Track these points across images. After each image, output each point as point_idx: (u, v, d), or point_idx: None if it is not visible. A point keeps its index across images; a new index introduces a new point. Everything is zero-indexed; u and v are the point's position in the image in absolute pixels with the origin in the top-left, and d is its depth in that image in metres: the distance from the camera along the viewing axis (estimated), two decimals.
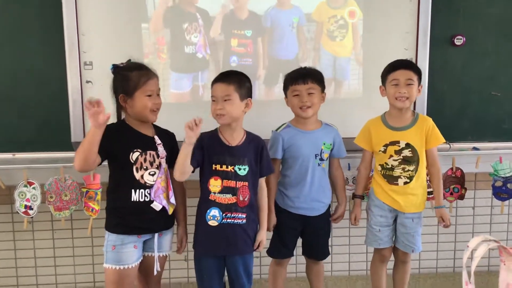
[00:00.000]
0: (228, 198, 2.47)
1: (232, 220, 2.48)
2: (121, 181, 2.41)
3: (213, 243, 2.49)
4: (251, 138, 2.57)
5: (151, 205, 2.41)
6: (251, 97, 2.54)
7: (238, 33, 3.12)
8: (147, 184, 2.41)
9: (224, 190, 2.46)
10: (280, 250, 2.84)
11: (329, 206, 2.89)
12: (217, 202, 2.47)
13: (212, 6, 3.09)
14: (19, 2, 3.04)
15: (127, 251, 2.41)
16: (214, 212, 2.47)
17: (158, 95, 2.47)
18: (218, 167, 2.47)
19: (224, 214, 2.47)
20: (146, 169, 2.41)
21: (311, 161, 2.74)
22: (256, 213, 2.59)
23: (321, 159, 2.76)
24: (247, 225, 2.52)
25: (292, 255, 2.89)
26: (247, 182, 2.49)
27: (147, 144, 2.44)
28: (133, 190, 2.39)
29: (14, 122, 3.13)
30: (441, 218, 2.78)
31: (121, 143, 2.39)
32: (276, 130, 2.80)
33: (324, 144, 2.76)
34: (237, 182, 2.48)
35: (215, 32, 3.10)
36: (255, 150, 2.54)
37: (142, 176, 2.40)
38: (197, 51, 3.11)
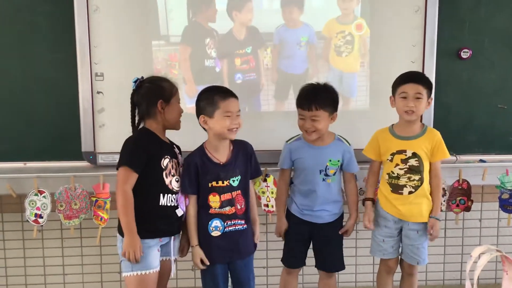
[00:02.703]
0: (227, 210, 2.55)
1: (234, 227, 2.56)
2: (151, 186, 2.43)
3: (218, 253, 2.55)
4: (239, 147, 2.61)
5: (176, 210, 2.50)
6: None
7: (240, 53, 3.17)
8: (174, 190, 2.49)
9: (223, 204, 2.54)
10: (288, 257, 2.87)
11: (341, 217, 2.88)
12: (218, 213, 2.54)
13: (218, 27, 3.16)
14: (31, 12, 3.10)
15: (153, 255, 2.44)
16: (216, 223, 2.54)
17: None
18: (214, 183, 2.53)
19: (225, 223, 2.54)
20: (173, 175, 2.49)
21: (316, 175, 2.76)
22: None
23: (326, 175, 2.77)
24: (247, 229, 2.61)
25: (303, 265, 2.89)
26: (240, 190, 2.57)
27: (171, 152, 2.53)
28: (161, 195, 2.45)
29: (25, 131, 3.18)
30: (431, 228, 2.74)
31: (153, 150, 2.44)
32: (287, 141, 2.85)
33: (330, 160, 2.76)
34: (232, 193, 2.55)
35: (220, 52, 3.17)
36: (245, 158, 2.61)
37: (170, 182, 2.48)
38: (216, 65, 3.18)
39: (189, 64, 3.16)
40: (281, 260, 2.91)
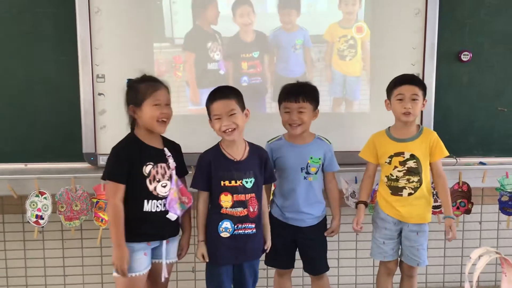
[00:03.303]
0: (239, 211, 2.53)
1: (243, 231, 2.54)
2: (134, 193, 2.43)
3: (225, 254, 2.54)
4: (255, 150, 2.62)
5: (167, 216, 2.46)
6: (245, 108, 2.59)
7: (246, 56, 3.19)
8: (159, 196, 2.45)
9: (235, 205, 2.52)
10: (274, 258, 2.85)
11: (325, 219, 2.88)
12: (229, 215, 2.53)
13: (222, 30, 3.17)
14: (33, 14, 3.12)
15: (138, 259, 2.44)
16: (226, 224, 2.52)
17: (168, 105, 2.49)
18: (227, 183, 2.52)
19: (235, 226, 2.52)
20: (159, 181, 2.45)
21: (297, 173, 2.77)
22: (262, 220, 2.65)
23: (308, 173, 2.77)
24: (257, 234, 2.59)
25: (291, 267, 2.89)
26: (254, 194, 2.55)
27: (158, 157, 2.47)
28: (145, 201, 2.43)
29: (26, 133, 3.19)
30: (449, 228, 2.77)
31: (134, 158, 2.42)
32: (268, 141, 2.86)
33: (312, 158, 2.78)
34: (246, 195, 2.53)
35: (226, 55, 3.19)
36: (259, 161, 2.60)
37: (155, 188, 2.44)
38: (219, 67, 3.19)
39: (193, 68, 3.18)
40: (265, 262, 2.88)
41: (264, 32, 3.18)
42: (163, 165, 2.47)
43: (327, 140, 2.86)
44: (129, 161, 2.41)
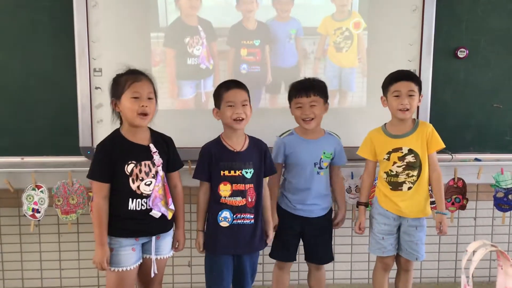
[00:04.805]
0: (238, 201, 2.57)
1: (242, 221, 2.58)
2: (118, 191, 2.41)
3: (224, 243, 2.58)
4: (255, 142, 2.67)
5: (150, 213, 2.43)
6: None
7: (247, 43, 3.19)
8: (143, 194, 2.42)
9: (234, 194, 2.56)
10: (281, 251, 2.88)
11: (331, 210, 2.92)
12: (228, 204, 2.57)
13: (219, 17, 3.16)
14: (30, 7, 3.11)
15: (126, 254, 2.42)
16: (226, 214, 2.57)
17: (150, 99, 2.42)
18: (226, 172, 2.57)
19: (234, 216, 2.57)
20: (142, 179, 2.41)
21: (310, 169, 2.80)
22: (261, 212, 2.68)
23: (320, 168, 2.81)
24: (255, 225, 2.62)
25: (294, 259, 2.92)
26: (252, 184, 2.59)
27: (141, 155, 2.43)
28: (130, 199, 2.41)
29: (23, 126, 3.19)
30: (440, 223, 2.80)
31: (116, 157, 2.39)
32: (280, 136, 2.89)
33: (324, 153, 2.82)
34: (245, 185, 2.58)
35: (224, 42, 3.18)
36: (259, 153, 2.65)
37: (138, 187, 2.40)
38: (200, 62, 3.18)
39: (174, 61, 3.18)
40: (270, 255, 2.92)
41: (265, 22, 3.18)
42: (147, 162, 2.43)
43: (336, 135, 2.93)
44: (111, 160, 2.38)
